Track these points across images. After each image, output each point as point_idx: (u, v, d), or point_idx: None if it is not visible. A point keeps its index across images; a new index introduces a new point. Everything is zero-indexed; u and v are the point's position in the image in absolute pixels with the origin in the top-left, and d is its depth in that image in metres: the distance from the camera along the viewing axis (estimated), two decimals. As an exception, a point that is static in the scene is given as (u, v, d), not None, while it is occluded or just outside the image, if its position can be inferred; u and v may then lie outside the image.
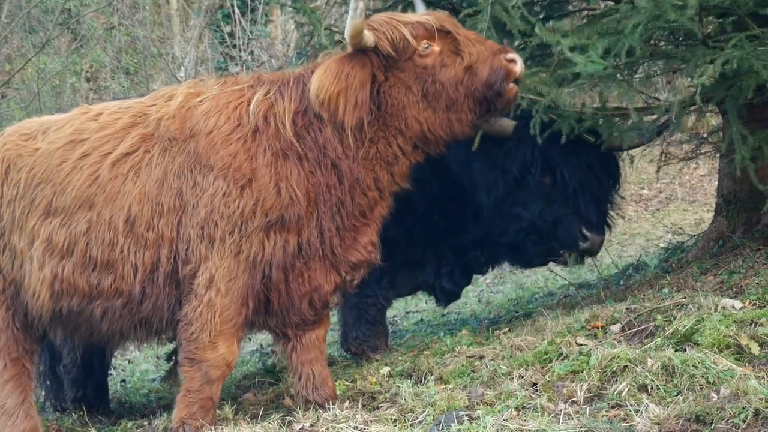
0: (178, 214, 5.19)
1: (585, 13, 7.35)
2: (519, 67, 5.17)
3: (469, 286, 8.33)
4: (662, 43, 6.74)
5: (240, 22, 18.86)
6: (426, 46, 5.11)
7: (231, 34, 19.01)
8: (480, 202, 6.92)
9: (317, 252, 5.23)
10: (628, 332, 5.51)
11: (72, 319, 5.51)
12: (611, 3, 6.68)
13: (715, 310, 5.37)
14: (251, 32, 19.03)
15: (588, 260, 7.20)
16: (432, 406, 4.96)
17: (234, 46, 18.90)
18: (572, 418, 4.58)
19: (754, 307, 5.39)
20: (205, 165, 5.14)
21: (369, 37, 5.04)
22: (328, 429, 4.94)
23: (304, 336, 5.51)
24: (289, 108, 5.18)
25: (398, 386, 5.39)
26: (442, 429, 4.65)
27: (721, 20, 6.04)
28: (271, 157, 5.12)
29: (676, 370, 4.75)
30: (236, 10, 18.85)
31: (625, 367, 4.89)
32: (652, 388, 4.71)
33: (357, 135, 5.14)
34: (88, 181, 5.35)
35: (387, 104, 5.16)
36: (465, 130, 5.32)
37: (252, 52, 19.07)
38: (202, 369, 5.22)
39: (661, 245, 11.37)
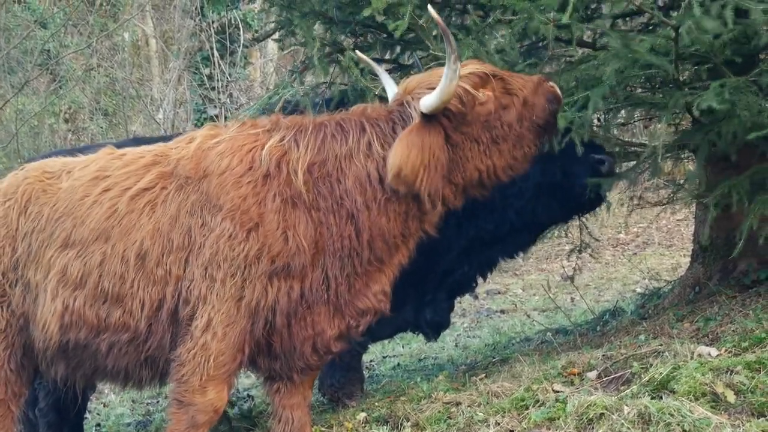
0: (185, 252, 5.14)
1: (564, 59, 7.40)
2: (558, 89, 5.38)
3: (446, 331, 8.30)
4: (639, 90, 6.79)
5: (219, 65, 18.91)
6: (482, 94, 5.11)
7: (210, 77, 19.05)
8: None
9: (321, 298, 5.18)
10: (604, 379, 5.50)
11: (78, 353, 5.43)
12: (590, 50, 6.72)
13: (691, 358, 5.37)
14: (230, 75, 19.08)
15: (564, 304, 7.16)
16: (408, 453, 4.94)
17: (213, 89, 18.94)
18: (548, 466, 4.58)
19: (730, 354, 5.39)
20: (214, 205, 5.10)
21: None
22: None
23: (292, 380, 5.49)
24: (304, 157, 5.13)
25: (374, 432, 5.37)
26: (418, 477, 4.64)
27: (696, 67, 6.08)
28: (280, 204, 5.06)
29: (652, 418, 4.74)
30: (215, 53, 18.91)
31: (602, 414, 4.88)
32: (628, 436, 4.71)
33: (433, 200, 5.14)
34: (106, 214, 5.32)
35: (451, 161, 5.14)
36: (524, 166, 5.40)
37: (231, 95, 19.12)
38: (189, 413, 5.16)
39: (638, 290, 11.41)
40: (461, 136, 5.12)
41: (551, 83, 5.39)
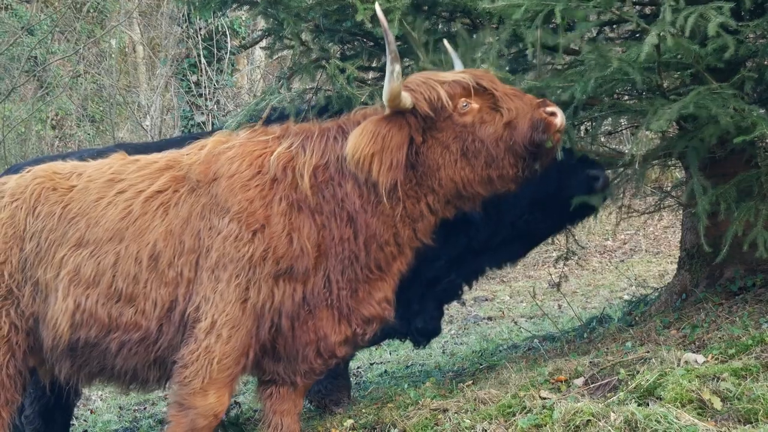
0: (196, 254, 5.19)
1: (550, 66, 7.41)
2: (560, 119, 5.10)
3: (434, 338, 8.29)
4: (626, 97, 6.79)
5: (206, 72, 18.91)
6: (464, 104, 5.06)
7: (197, 83, 19.04)
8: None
9: (323, 302, 5.20)
10: (591, 386, 5.50)
11: (86, 351, 5.43)
12: (576, 57, 6.72)
13: (678, 365, 5.37)
14: (217, 81, 19.08)
15: (551, 311, 7.15)
16: (395, 459, 4.93)
17: (200, 95, 18.93)
18: (535, 473, 4.57)
19: (716, 361, 5.39)
20: (222, 208, 5.16)
21: (407, 99, 5.00)
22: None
23: (284, 386, 5.49)
24: (309, 162, 5.19)
25: (361, 439, 5.36)
26: (405, 484, 4.63)
27: (679, 74, 6.08)
28: (285, 207, 5.12)
29: (638, 425, 4.73)
30: (202, 60, 18.91)
31: (588, 421, 4.87)
32: (615, 442, 4.70)
33: (390, 194, 5.11)
34: (121, 215, 5.36)
35: (423, 164, 5.12)
36: (507, 185, 5.26)
37: (218, 101, 19.12)
38: (189, 416, 5.15)
39: (625, 297, 11.42)
40: (431, 140, 5.11)
41: (551, 109, 5.12)
